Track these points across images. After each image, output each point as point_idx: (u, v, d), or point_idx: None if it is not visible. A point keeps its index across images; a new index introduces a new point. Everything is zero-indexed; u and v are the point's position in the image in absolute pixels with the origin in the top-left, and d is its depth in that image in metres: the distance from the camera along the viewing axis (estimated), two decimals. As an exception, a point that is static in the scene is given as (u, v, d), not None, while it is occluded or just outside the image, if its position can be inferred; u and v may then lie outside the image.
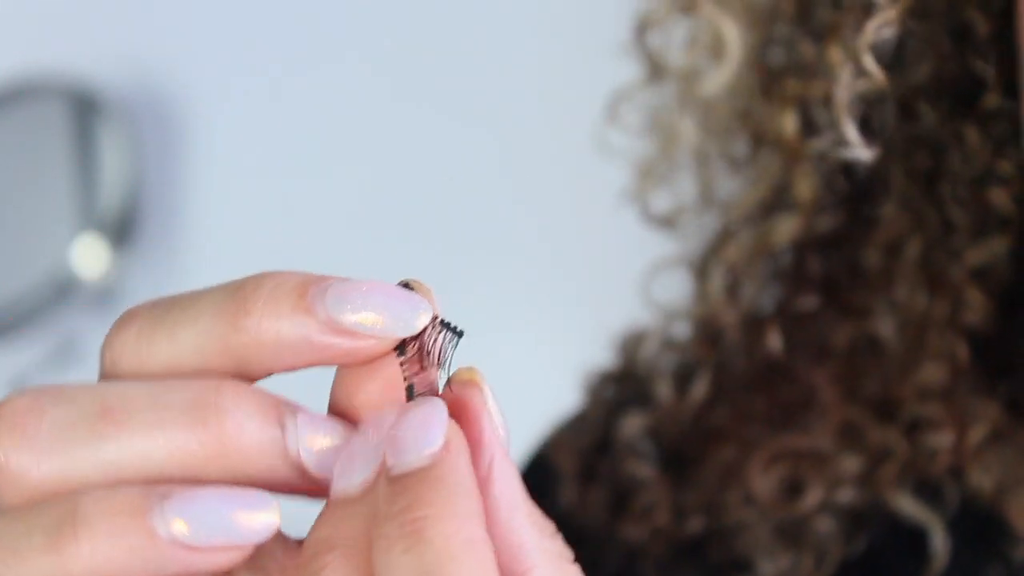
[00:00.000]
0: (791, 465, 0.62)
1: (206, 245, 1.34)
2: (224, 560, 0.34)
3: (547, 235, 1.15)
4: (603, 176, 0.67)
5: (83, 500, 0.34)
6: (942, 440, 0.61)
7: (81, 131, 1.32)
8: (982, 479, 0.61)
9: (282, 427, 0.35)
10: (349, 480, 0.36)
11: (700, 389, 0.65)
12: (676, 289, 0.67)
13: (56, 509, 0.34)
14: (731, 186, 0.64)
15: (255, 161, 1.32)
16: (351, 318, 0.35)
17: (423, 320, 0.36)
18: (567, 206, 1.12)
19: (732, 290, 0.64)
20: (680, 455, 0.66)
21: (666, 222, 0.66)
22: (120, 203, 1.30)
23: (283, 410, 0.35)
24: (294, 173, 1.30)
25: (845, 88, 0.55)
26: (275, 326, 0.35)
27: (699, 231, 0.66)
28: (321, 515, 0.36)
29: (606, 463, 0.67)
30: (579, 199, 1.10)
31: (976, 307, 0.60)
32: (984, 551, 0.61)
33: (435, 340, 0.37)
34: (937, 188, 0.60)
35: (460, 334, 0.37)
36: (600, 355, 0.69)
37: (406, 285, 0.37)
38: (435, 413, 0.35)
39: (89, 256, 1.30)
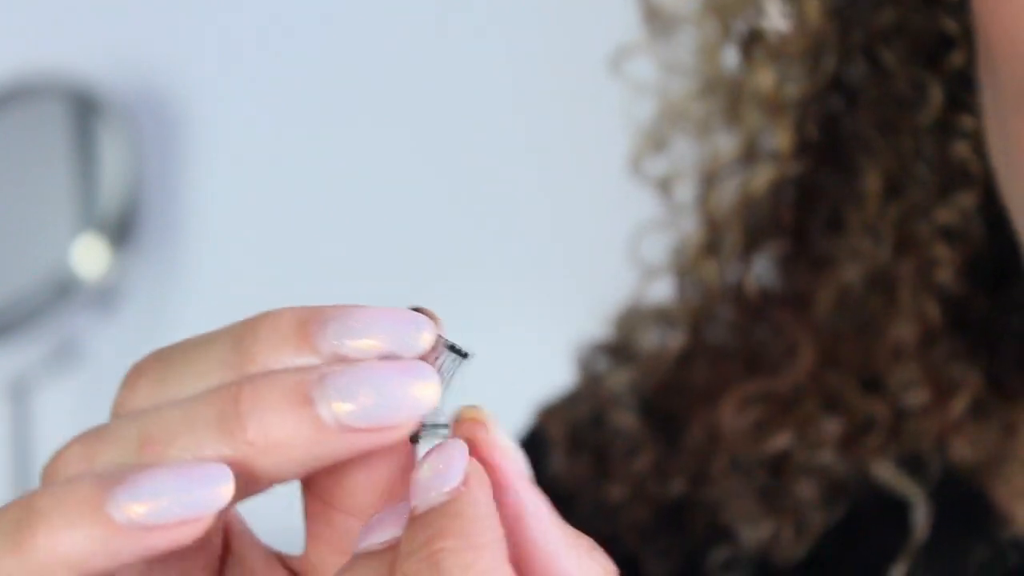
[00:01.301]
0: (764, 409, 0.63)
1: (206, 245, 1.34)
2: (184, 535, 0.34)
3: (541, 215, 1.15)
4: (600, 149, 0.67)
5: (38, 497, 0.34)
6: (919, 399, 0.61)
7: (81, 131, 1.32)
8: (965, 454, 0.61)
9: (311, 403, 0.34)
10: (374, 539, 0.36)
11: (677, 341, 0.66)
12: (666, 254, 0.68)
13: (14, 510, 0.34)
14: (719, 143, 0.65)
15: (255, 161, 1.32)
16: (354, 345, 0.35)
17: (426, 339, 0.35)
18: (560, 188, 1.12)
19: (712, 242, 0.65)
20: (661, 409, 0.66)
21: (662, 186, 0.67)
22: (120, 203, 1.31)
23: (309, 385, 0.34)
24: (294, 173, 1.30)
25: None
26: (279, 360, 0.35)
27: (692, 197, 0.67)
28: (341, 569, 0.36)
29: (595, 431, 0.68)
30: (574, 173, 1.10)
31: (946, 265, 0.61)
32: (967, 525, 0.62)
33: (439, 361, 0.36)
34: (904, 141, 0.61)
35: (466, 355, 0.36)
36: (597, 330, 0.70)
37: (417, 310, 0.36)
38: (455, 452, 0.35)
39: (89, 256, 1.31)
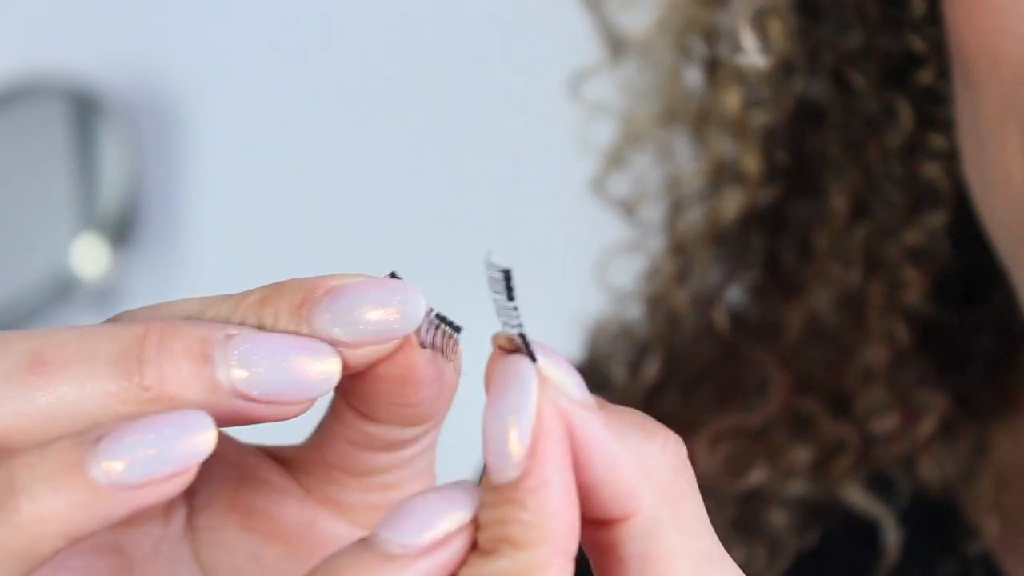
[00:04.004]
0: (737, 443, 0.62)
1: (206, 245, 1.34)
2: (169, 490, 0.33)
3: (509, 230, 1.15)
4: (565, 170, 0.67)
5: (16, 466, 0.33)
6: (887, 425, 0.61)
7: (81, 131, 1.32)
8: (933, 473, 0.61)
9: (211, 362, 0.34)
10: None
11: (651, 370, 0.65)
12: (634, 277, 0.67)
13: None
14: (684, 167, 0.65)
15: (255, 161, 1.32)
16: (350, 323, 0.35)
17: (422, 307, 0.35)
18: (528, 200, 1.12)
19: (682, 269, 0.65)
20: None
21: (626, 209, 0.67)
22: (120, 203, 1.31)
23: (212, 343, 0.34)
24: (294, 173, 1.30)
25: (746, 2, 0.56)
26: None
27: (658, 218, 0.66)
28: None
29: None
30: (540, 193, 1.10)
31: (914, 287, 0.60)
32: (937, 543, 0.62)
33: (430, 333, 0.36)
34: (873, 163, 0.60)
35: (458, 329, 0.36)
36: (564, 350, 0.69)
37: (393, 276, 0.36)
38: (523, 398, 0.33)
39: (89, 256, 1.31)
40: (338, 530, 0.38)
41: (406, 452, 0.38)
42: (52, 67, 1.33)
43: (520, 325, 0.34)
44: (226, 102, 1.33)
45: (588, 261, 0.68)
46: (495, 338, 0.34)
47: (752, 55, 0.57)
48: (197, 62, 1.33)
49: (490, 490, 0.32)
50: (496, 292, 0.35)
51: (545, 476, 0.32)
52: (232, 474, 0.39)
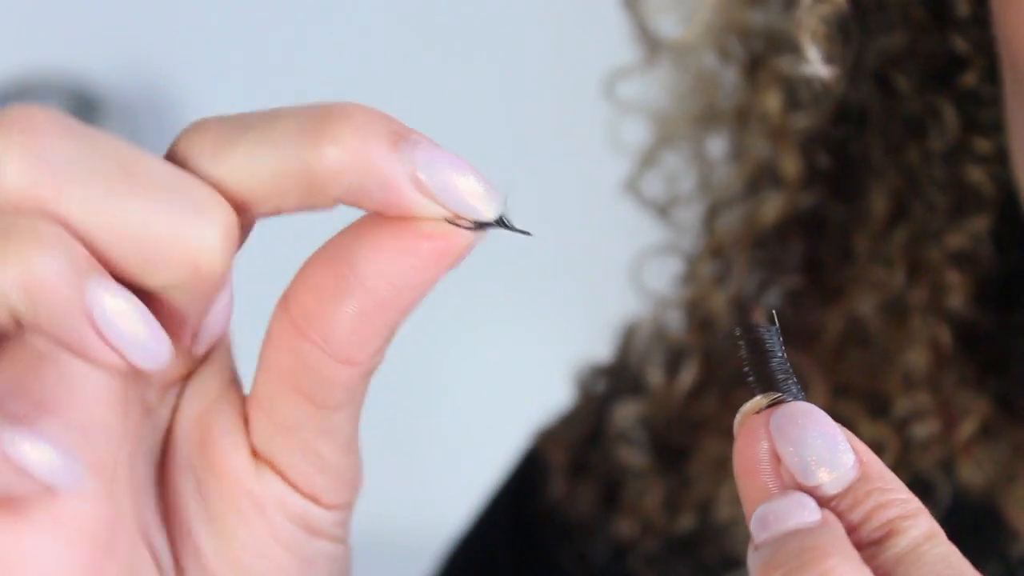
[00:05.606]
0: None
1: (206, 245, 1.34)
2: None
3: (543, 231, 1.15)
4: (600, 170, 0.67)
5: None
6: (929, 430, 0.61)
7: (81, 131, 1.32)
8: (974, 476, 0.61)
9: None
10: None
11: (689, 375, 0.65)
12: (669, 280, 0.67)
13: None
14: (721, 169, 0.65)
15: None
16: (430, 177, 0.35)
17: (493, 210, 0.36)
18: (563, 201, 1.12)
19: (720, 273, 0.65)
20: (671, 444, 0.66)
21: (661, 210, 0.66)
22: (120, 203, 1.30)
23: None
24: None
25: (807, 10, 0.56)
26: (361, 161, 0.34)
27: (693, 220, 0.66)
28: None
29: (597, 456, 0.67)
30: (575, 194, 1.10)
31: (957, 291, 0.60)
32: (979, 545, 0.61)
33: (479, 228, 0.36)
34: (915, 166, 0.60)
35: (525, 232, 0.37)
36: (596, 351, 0.69)
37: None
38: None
39: (89, 256, 1.30)
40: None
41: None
42: (52, 67, 1.33)
43: (796, 380, 0.37)
44: (226, 102, 1.33)
45: (622, 262, 0.68)
46: (754, 405, 0.38)
47: (817, 66, 0.56)
48: (197, 62, 1.33)
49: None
50: (762, 350, 0.37)
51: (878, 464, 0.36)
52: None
